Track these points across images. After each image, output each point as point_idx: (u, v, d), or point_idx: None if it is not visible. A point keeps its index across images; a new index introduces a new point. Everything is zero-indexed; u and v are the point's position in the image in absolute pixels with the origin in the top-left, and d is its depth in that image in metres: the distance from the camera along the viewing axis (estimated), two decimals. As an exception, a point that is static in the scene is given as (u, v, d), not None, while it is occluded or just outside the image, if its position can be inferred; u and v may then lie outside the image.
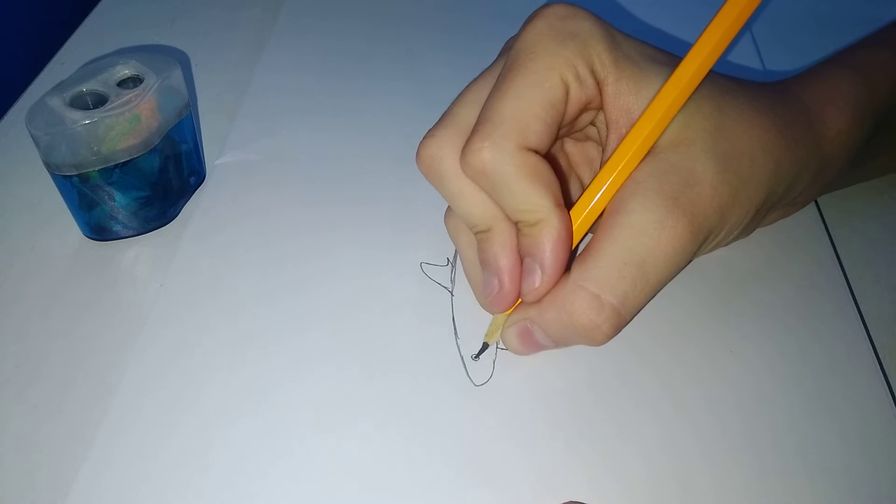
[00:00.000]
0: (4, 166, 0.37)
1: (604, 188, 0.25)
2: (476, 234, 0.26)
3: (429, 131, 0.26)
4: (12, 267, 0.32)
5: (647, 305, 0.29)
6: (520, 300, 0.26)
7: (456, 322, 0.29)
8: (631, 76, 0.25)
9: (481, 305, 0.28)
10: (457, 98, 0.27)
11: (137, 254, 0.33)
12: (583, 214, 0.26)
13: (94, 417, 0.26)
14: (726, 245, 0.29)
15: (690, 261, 0.26)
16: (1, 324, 0.30)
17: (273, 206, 0.34)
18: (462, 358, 0.28)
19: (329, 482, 0.24)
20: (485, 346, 0.28)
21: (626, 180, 0.25)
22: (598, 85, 0.26)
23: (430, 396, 0.27)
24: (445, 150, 0.25)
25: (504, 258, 0.25)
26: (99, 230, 0.33)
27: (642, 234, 0.24)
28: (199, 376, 0.27)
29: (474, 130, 0.25)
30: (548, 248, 0.24)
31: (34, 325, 0.30)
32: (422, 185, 0.27)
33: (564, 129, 0.27)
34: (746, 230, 0.29)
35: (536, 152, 0.25)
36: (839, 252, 0.32)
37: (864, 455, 0.25)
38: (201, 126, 0.39)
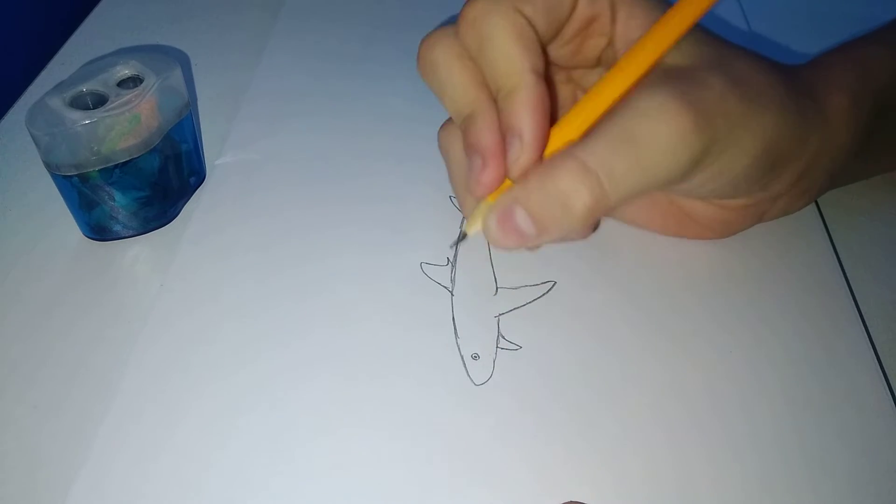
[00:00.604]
0: (4, 166, 0.37)
1: (606, 103, 0.25)
2: (462, 125, 0.27)
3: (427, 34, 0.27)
4: (12, 267, 0.32)
5: (647, 305, 0.29)
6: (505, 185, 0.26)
7: (456, 322, 0.29)
8: (645, 4, 0.26)
9: (468, 192, 0.27)
10: None
11: (137, 254, 0.33)
12: (592, 102, 0.25)
13: (94, 417, 0.26)
14: (733, 205, 0.29)
15: (689, 176, 0.25)
16: (1, 324, 0.30)
17: (273, 207, 0.34)
18: (462, 358, 0.28)
19: (329, 482, 0.24)
20: (462, 236, 0.27)
21: (633, 84, 0.25)
22: (613, 7, 0.26)
23: (431, 396, 0.27)
24: (440, 46, 0.27)
25: (487, 137, 0.25)
26: (99, 230, 0.33)
27: (643, 115, 0.23)
28: (200, 377, 0.27)
29: None
30: (524, 114, 0.24)
31: (34, 325, 0.30)
32: (421, 185, 0.27)
33: (568, 46, 0.28)
34: (756, 184, 0.27)
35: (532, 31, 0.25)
36: (839, 252, 0.32)
37: (864, 455, 0.25)
38: (201, 126, 0.39)
